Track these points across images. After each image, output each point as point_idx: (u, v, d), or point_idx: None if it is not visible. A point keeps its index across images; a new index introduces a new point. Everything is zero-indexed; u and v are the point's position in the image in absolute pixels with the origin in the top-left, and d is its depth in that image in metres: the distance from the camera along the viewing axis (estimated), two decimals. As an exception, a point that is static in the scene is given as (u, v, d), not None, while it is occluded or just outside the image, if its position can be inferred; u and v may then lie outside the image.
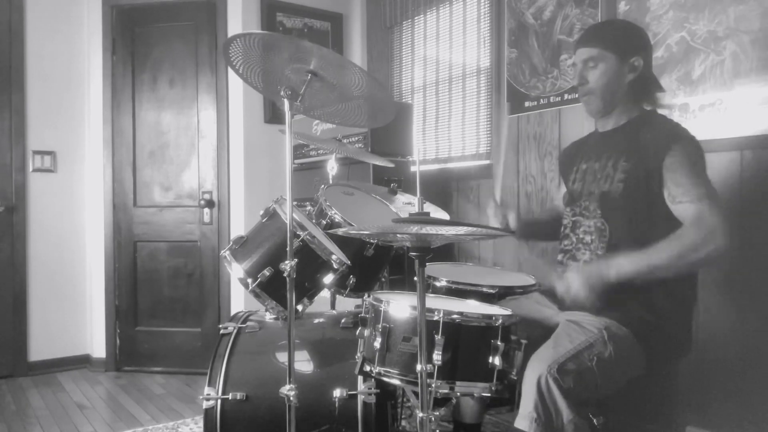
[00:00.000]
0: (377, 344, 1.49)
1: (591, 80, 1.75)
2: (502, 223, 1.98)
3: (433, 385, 1.40)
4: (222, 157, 3.71)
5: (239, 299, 3.60)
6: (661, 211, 1.61)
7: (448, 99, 3.54)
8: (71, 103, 3.79)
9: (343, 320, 2.04)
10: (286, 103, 1.61)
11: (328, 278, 1.84)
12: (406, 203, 2.46)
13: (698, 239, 1.50)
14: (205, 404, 1.79)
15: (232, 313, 2.85)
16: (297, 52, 1.52)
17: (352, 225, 1.94)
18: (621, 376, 1.56)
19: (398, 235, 1.28)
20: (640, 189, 1.63)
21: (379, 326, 1.50)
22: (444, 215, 2.50)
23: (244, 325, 2.00)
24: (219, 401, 1.79)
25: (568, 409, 1.38)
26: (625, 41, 1.75)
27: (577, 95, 2.13)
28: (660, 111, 1.82)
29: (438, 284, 1.98)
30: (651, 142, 1.64)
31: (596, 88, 1.74)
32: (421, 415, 1.32)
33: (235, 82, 3.66)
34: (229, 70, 3.65)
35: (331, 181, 2.45)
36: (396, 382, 1.49)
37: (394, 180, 2.92)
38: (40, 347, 3.69)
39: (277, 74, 1.65)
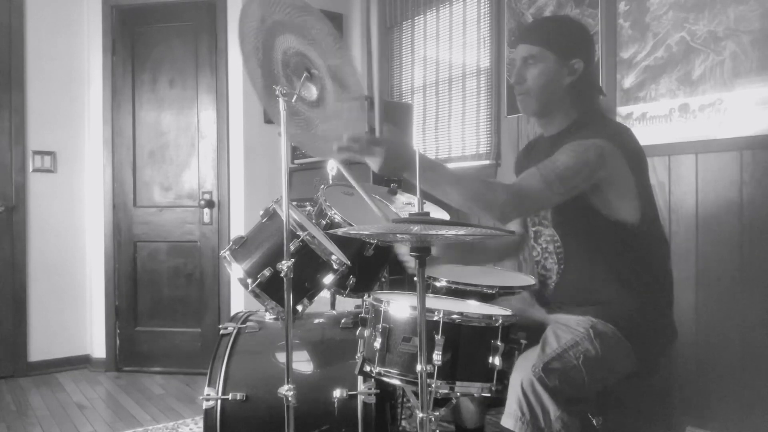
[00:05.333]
0: (377, 344, 1.48)
1: (529, 79, 1.65)
2: None
3: (433, 386, 1.40)
4: (222, 158, 3.71)
5: (239, 299, 3.60)
6: (605, 218, 1.57)
7: (448, 99, 3.54)
8: (71, 103, 3.80)
9: (343, 320, 2.04)
10: (281, 102, 1.60)
11: (328, 278, 1.84)
12: (406, 203, 2.46)
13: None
14: (205, 404, 1.79)
15: (232, 313, 2.85)
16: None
17: (351, 225, 1.93)
18: (610, 373, 1.56)
19: (398, 236, 1.28)
20: (586, 194, 1.55)
21: (379, 326, 1.49)
22: (444, 215, 2.49)
23: (243, 326, 2.00)
24: (219, 401, 1.79)
25: (555, 407, 1.39)
26: (567, 41, 1.64)
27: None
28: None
29: (438, 284, 1.97)
30: None
31: (533, 88, 1.64)
32: (421, 415, 1.32)
33: (235, 83, 3.66)
34: (229, 70, 3.70)
35: (331, 181, 2.45)
36: (396, 382, 1.49)
37: (394, 180, 2.91)
38: (40, 347, 3.69)
39: (276, 63, 1.63)
